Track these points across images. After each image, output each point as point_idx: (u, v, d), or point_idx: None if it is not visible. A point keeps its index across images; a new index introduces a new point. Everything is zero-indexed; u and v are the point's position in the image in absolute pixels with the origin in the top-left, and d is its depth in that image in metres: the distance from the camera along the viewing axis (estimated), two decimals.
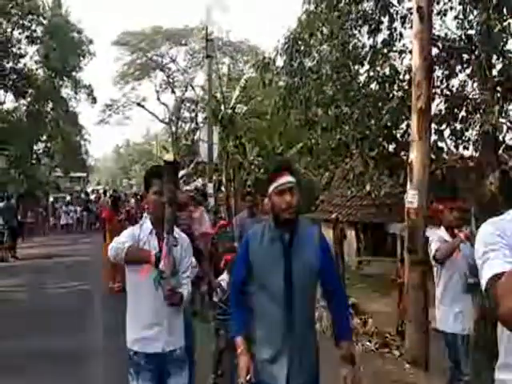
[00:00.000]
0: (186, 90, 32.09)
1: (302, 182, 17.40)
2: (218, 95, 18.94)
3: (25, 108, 25.92)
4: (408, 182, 4.99)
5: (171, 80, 33.17)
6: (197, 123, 29.74)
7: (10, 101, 25.43)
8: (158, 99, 33.72)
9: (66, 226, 20.33)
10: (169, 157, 2.41)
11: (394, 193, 7.64)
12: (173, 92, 32.93)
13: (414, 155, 4.96)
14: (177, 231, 2.49)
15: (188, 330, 2.81)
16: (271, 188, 2.16)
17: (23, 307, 7.32)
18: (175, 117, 32.71)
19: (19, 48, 24.44)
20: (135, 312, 2.52)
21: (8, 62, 23.78)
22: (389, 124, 7.48)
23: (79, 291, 8.39)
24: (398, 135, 7.68)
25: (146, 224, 2.51)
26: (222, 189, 18.65)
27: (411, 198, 4.86)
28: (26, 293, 8.36)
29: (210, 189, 14.49)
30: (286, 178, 2.14)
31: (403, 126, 7.55)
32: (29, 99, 25.65)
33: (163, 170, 2.42)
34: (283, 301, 2.08)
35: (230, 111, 18.11)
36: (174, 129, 32.75)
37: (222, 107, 18.18)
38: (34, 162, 26.06)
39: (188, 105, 32.39)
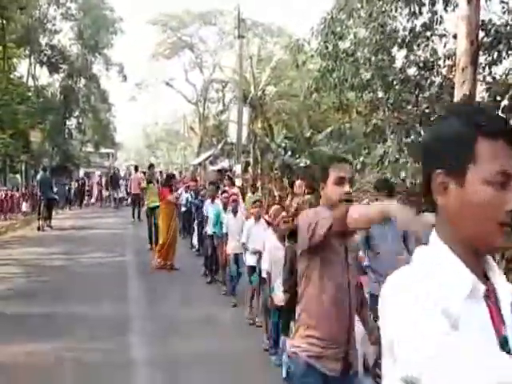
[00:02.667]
0: (214, 71, 32.06)
1: None
2: (248, 76, 18.88)
3: (58, 83, 26.55)
4: None
5: (199, 60, 33.16)
6: (224, 104, 29.79)
7: (44, 76, 26.12)
8: (187, 79, 33.81)
9: (118, 199, 20.65)
10: None
11: None
12: (201, 72, 32.96)
13: None
14: None
15: None
16: None
17: (61, 274, 7.67)
18: (203, 97, 32.75)
19: (54, 24, 24.96)
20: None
21: (43, 38, 24.35)
22: (427, 111, 7.36)
23: (114, 262, 8.70)
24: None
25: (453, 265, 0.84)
26: (249, 170, 18.76)
27: None
28: (64, 261, 8.73)
29: (237, 169, 14.61)
30: None
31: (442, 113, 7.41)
32: (62, 75, 26.27)
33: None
34: None
35: (259, 93, 18.07)
36: (201, 109, 32.85)
37: (252, 88, 18.14)
38: (66, 136, 26.80)
39: (216, 85, 32.41)
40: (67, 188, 20.78)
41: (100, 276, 7.57)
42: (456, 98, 5.14)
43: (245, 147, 17.82)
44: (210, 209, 7.32)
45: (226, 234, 6.35)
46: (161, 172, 19.59)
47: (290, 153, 17.62)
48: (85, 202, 21.59)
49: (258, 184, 17.45)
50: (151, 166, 12.12)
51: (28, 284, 7.06)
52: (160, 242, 8.11)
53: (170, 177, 9.13)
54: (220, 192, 7.64)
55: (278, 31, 29.49)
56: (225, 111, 24.74)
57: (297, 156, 17.23)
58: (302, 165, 16.53)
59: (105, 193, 21.50)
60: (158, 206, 9.11)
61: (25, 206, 15.77)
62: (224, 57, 31.36)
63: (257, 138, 18.75)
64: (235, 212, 6.36)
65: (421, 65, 7.45)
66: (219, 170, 12.99)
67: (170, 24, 31.63)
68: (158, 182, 10.45)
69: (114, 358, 4.44)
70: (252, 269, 5.36)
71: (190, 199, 9.93)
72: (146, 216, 10.29)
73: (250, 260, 5.47)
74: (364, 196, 10.56)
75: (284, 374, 3.73)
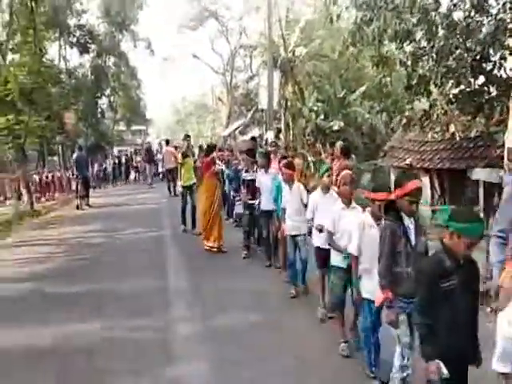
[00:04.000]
0: (240, 38, 31.21)
1: (364, 127, 16.60)
2: (276, 39, 18.08)
3: (89, 64, 26.75)
4: (510, 119, 4.38)
5: (225, 28, 32.34)
6: (251, 71, 29.08)
7: (75, 57, 26.43)
8: (213, 49, 33.18)
9: (161, 174, 20.20)
10: None
11: (481, 134, 6.87)
12: (227, 41, 32.19)
13: None
14: None
15: None
16: None
17: (103, 251, 7.70)
18: (230, 67, 32.14)
19: (81, 3, 24.91)
20: None
21: (71, 19, 24.43)
22: (477, 57, 6.60)
23: (153, 237, 8.64)
24: (488, 68, 6.78)
25: None
26: (281, 137, 18.26)
27: None
28: (103, 238, 8.78)
29: (269, 136, 14.13)
30: None
31: (495, 58, 6.64)
32: (92, 55, 26.43)
33: None
34: None
35: (289, 55, 17.31)
36: (228, 79, 32.31)
37: (282, 51, 17.39)
38: (99, 116, 27.16)
39: (243, 53, 31.71)
40: (116, 163, 21.18)
41: (139, 252, 7.53)
42: None
43: (275, 113, 17.25)
44: (263, 181, 6.31)
45: (284, 209, 5.28)
46: (191, 145, 19.32)
47: (322, 116, 16.90)
48: (132, 177, 21.71)
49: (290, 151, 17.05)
50: (187, 136, 9.89)
51: (68, 263, 7.09)
52: (203, 221, 7.26)
53: (213, 147, 8.06)
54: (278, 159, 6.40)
55: None
56: (254, 78, 24.07)
57: (330, 119, 16.51)
58: (335, 128, 15.86)
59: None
60: (194, 184, 8.56)
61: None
62: (250, 25, 30.39)
63: (287, 103, 18.12)
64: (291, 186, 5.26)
65: (468, 6, 6.63)
66: (253, 138, 12.50)
67: None
68: (193, 155, 9.81)
69: (158, 335, 4.34)
70: (320, 251, 4.43)
71: (226, 171, 9.26)
72: (182, 195, 8.99)
73: (317, 240, 4.49)
74: (405, 155, 9.98)
75: None
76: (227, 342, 4.11)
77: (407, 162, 8.70)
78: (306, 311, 4.74)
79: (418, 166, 9.13)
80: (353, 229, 3.47)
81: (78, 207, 12.61)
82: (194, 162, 9.21)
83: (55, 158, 23.76)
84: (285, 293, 5.25)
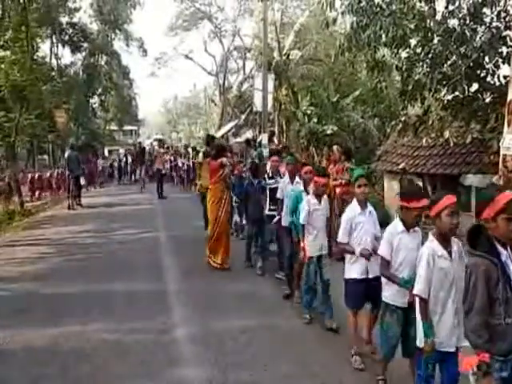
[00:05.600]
0: (233, 40, 31.29)
1: (357, 132, 16.72)
2: (271, 42, 18.15)
3: (80, 62, 26.60)
4: (505, 126, 4.46)
5: (219, 30, 32.38)
6: (245, 73, 29.12)
7: (67, 55, 26.37)
8: (206, 50, 33.19)
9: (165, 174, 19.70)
10: None
11: (474, 140, 6.97)
12: (220, 42, 32.24)
13: None
14: None
15: None
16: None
17: (96, 252, 7.61)
18: (223, 68, 32.20)
19: (74, 1, 24.76)
20: None
21: (64, 17, 24.28)
22: (471, 64, 6.70)
23: (147, 239, 8.55)
24: (482, 75, 6.89)
25: None
26: (274, 140, 18.25)
27: (509, 143, 4.35)
28: (96, 238, 8.66)
29: (264, 139, 14.11)
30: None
31: (489, 65, 6.74)
32: (84, 53, 26.30)
33: None
34: None
35: (283, 58, 17.40)
36: (221, 81, 32.36)
37: (276, 54, 17.47)
38: (90, 115, 26.99)
39: (236, 55, 31.81)
40: (124, 161, 20.58)
41: (133, 253, 7.46)
42: None
43: (269, 116, 17.27)
44: (290, 191, 5.18)
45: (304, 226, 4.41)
46: (186, 146, 19.28)
47: (315, 120, 16.97)
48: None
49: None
50: (213, 138, 8.38)
51: (60, 264, 6.98)
52: (210, 231, 6.52)
53: (222, 148, 6.86)
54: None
55: None
56: (247, 80, 24.13)
57: (323, 123, 16.60)
58: (328, 132, 15.95)
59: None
60: None
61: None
62: (244, 27, 30.52)
63: (281, 106, 18.18)
64: (319, 197, 4.38)
65: (463, 14, 6.73)
66: (247, 141, 12.42)
67: None
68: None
69: (156, 337, 4.29)
70: (356, 285, 3.59)
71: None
72: (201, 197, 8.18)
73: (353, 270, 3.64)
74: (399, 160, 10.06)
75: None
76: (227, 346, 4.09)
77: (401, 166, 8.79)
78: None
79: (411, 170, 9.23)
80: (416, 261, 2.69)
81: (69, 207, 12.45)
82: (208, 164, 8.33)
83: (45, 157, 23.55)
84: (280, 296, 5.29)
